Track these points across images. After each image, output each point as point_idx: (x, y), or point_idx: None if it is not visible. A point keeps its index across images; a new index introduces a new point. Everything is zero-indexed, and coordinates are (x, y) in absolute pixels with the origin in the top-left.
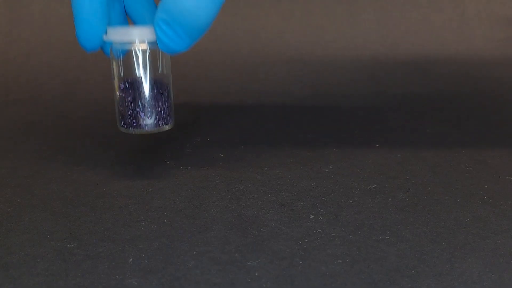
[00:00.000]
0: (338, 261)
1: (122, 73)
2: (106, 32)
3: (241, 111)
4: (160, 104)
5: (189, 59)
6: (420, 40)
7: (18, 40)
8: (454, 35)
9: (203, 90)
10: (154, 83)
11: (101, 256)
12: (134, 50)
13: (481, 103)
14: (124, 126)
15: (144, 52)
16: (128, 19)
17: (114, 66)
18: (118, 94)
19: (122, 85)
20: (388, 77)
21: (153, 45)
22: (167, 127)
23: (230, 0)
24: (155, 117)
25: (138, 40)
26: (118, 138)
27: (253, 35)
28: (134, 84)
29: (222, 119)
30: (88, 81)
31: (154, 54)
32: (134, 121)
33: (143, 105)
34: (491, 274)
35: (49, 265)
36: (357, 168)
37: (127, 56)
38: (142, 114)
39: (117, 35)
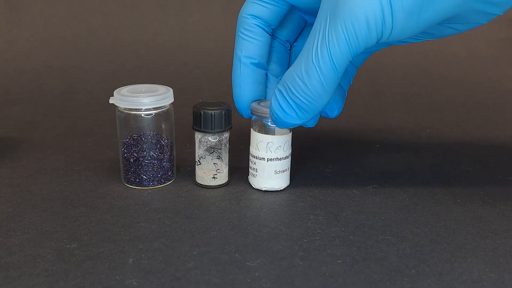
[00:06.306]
0: (338, 261)
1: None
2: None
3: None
4: (164, 163)
5: (189, 59)
6: None
7: (18, 40)
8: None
9: (203, 90)
10: (158, 142)
11: (101, 256)
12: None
13: (481, 103)
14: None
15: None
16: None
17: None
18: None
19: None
20: (388, 77)
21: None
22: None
23: (230, 0)
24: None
25: None
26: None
27: None
28: (139, 143)
29: None
30: (88, 81)
31: (161, 115)
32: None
33: (146, 164)
34: (491, 274)
35: (49, 265)
36: (357, 168)
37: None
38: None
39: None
